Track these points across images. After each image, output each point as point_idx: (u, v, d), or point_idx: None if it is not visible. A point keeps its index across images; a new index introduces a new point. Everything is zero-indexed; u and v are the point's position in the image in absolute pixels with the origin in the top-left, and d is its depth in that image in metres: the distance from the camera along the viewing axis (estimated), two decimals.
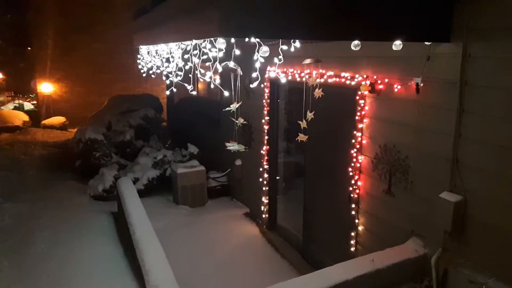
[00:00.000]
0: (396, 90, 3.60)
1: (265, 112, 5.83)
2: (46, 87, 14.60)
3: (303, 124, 3.05)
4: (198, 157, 7.87)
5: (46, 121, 14.09)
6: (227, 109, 3.17)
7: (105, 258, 4.94)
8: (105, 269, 4.67)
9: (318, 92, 3.07)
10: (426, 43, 3.18)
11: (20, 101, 18.09)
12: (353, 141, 4.14)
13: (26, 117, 14.35)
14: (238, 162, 6.89)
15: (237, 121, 3.31)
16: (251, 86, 2.98)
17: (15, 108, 16.53)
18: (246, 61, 3.09)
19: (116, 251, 5.10)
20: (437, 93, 3.25)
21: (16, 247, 5.31)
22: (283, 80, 5.10)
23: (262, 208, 6.14)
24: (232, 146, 3.30)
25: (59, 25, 14.11)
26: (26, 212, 6.43)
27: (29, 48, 15.46)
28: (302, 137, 3.08)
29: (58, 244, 5.35)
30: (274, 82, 5.64)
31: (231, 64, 2.73)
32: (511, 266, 2.82)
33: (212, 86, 3.09)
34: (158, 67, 4.85)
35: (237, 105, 3.11)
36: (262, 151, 5.99)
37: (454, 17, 3.00)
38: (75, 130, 9.08)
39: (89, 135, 8.16)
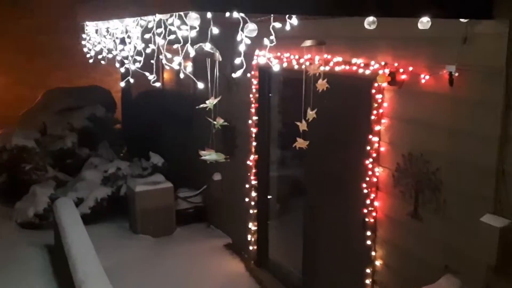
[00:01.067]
0: (423, 81, 3.64)
1: (253, 111, 5.85)
2: None
3: (303, 126, 3.05)
4: (163, 170, 7.87)
5: None
6: (201, 106, 3.11)
7: None
8: None
9: (321, 84, 3.06)
10: (462, 20, 3.21)
11: None
12: (368, 148, 4.17)
13: None
14: (217, 176, 6.89)
15: (215, 122, 3.24)
16: (234, 75, 2.95)
17: None
18: (227, 43, 3.11)
19: None
20: (477, 85, 3.28)
21: None
22: (276, 68, 5.10)
23: (249, 237, 6.14)
24: (209, 155, 3.23)
25: None
26: None
27: None
28: (301, 143, 3.07)
29: None
30: (265, 71, 5.65)
31: (207, 47, 2.72)
32: None
33: (182, 76, 3.06)
34: (110, 51, 4.84)
35: (215, 101, 3.08)
36: (248, 162, 6.00)
37: None
38: None
39: (16, 142, 8.08)
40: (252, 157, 5.97)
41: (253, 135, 5.92)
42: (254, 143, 5.93)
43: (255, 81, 5.78)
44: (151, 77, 3.56)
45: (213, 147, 3.21)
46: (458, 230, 3.51)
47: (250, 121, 5.94)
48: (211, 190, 7.05)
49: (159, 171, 7.83)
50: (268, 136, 5.92)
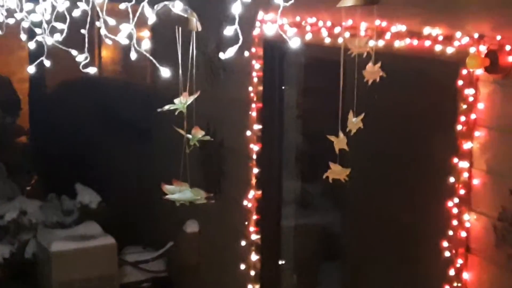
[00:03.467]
0: None
1: (254, 114, 5.58)
2: None
3: (340, 142, 2.76)
4: (99, 216, 7.38)
5: None
6: (167, 108, 2.89)
7: None
8: None
9: (372, 72, 2.91)
10: None
11: None
12: (452, 180, 3.96)
13: None
14: (192, 227, 6.59)
15: (189, 136, 2.96)
16: (222, 56, 2.66)
17: None
18: (210, 3, 2.79)
19: None
20: None
21: None
22: (293, 43, 4.79)
23: None
24: (179, 192, 2.89)
25: None
26: None
27: None
28: (337, 171, 2.78)
29: None
30: (274, 48, 5.46)
31: (178, 7, 2.50)
32: None
33: (133, 56, 2.78)
34: (10, 13, 4.58)
35: (191, 100, 2.89)
36: (246, 202, 5.68)
37: None
38: None
39: None
40: (252, 193, 5.59)
41: (254, 156, 5.54)
42: (255, 170, 5.55)
43: (257, 65, 5.49)
44: (81, 57, 3.30)
45: (186, 178, 2.84)
46: None
47: (248, 133, 5.61)
48: (182, 250, 6.72)
49: (93, 217, 7.34)
50: (279, 158, 5.64)
